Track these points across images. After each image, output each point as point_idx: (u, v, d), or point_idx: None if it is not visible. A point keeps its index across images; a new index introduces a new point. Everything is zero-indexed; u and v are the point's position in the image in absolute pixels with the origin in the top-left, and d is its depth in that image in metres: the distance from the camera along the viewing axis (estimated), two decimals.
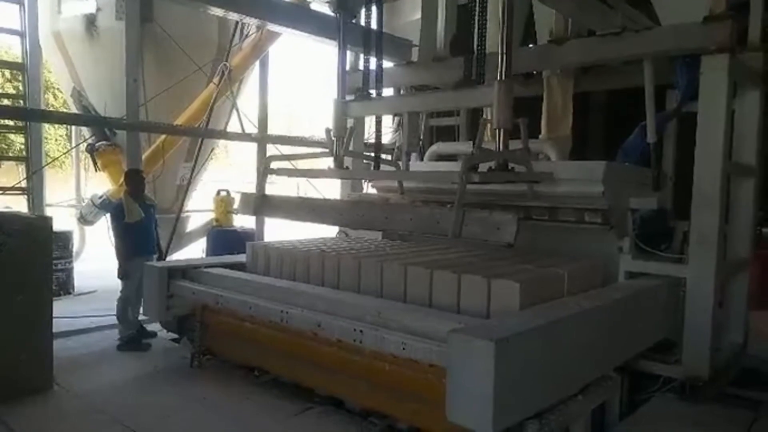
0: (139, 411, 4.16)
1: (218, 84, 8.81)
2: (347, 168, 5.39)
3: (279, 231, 9.77)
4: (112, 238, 6.10)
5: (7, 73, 14.32)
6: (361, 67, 5.41)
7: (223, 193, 10.10)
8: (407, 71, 6.24)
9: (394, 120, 9.52)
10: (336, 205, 4.95)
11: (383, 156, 5.57)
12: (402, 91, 7.01)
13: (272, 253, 5.20)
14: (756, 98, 4.91)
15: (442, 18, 5.93)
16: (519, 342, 2.84)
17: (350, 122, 5.31)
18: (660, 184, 4.96)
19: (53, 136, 20.88)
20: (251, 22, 7.90)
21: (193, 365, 5.02)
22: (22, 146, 8.81)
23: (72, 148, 11.79)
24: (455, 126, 8.55)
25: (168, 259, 8.08)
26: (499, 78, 3.78)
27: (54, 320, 4.76)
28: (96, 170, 8.82)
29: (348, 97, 5.21)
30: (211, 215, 10.31)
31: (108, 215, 6.30)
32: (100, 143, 8.49)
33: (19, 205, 8.10)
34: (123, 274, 5.81)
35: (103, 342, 5.83)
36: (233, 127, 9.87)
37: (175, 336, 5.79)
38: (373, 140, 5.73)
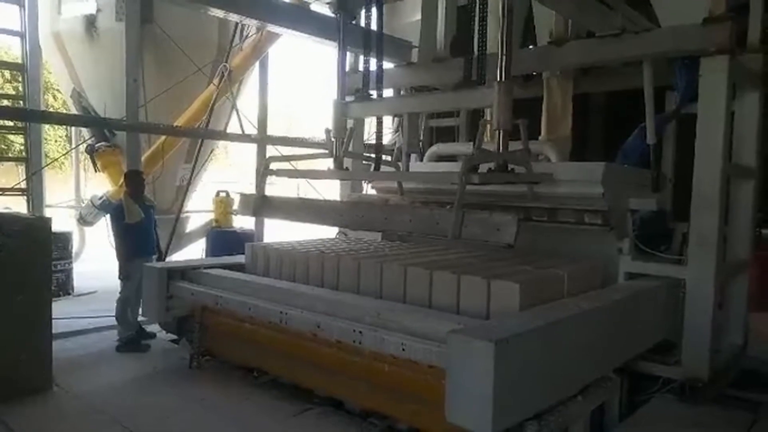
0: (138, 412, 4.16)
1: (218, 85, 8.81)
2: (347, 169, 5.39)
3: (278, 232, 9.77)
4: (112, 239, 6.10)
5: (6, 73, 14.30)
6: (361, 68, 5.41)
7: (223, 194, 10.10)
8: (407, 72, 6.25)
9: (394, 121, 9.52)
10: (335, 206, 4.95)
11: (383, 157, 5.57)
12: (402, 92, 7.01)
13: (272, 254, 5.20)
14: (755, 100, 4.92)
15: (442, 19, 5.93)
16: (518, 343, 2.84)
17: (350, 123, 5.32)
18: (659, 186, 4.96)
19: (53, 136, 20.89)
20: (251, 23, 7.90)
21: (192, 366, 5.01)
22: (22, 147, 8.82)
23: (72, 149, 11.79)
24: (455, 127, 8.55)
25: (167, 259, 8.08)
26: (498, 79, 3.78)
27: (53, 321, 4.76)
28: (96, 171, 8.82)
29: (348, 98, 5.21)
30: (211, 216, 10.31)
31: (108, 216, 6.30)
32: (99, 144, 8.49)
33: (18, 205, 8.09)
34: (124, 275, 5.82)
35: (103, 343, 5.83)
36: (233, 128, 9.88)
37: (175, 337, 5.78)
38: (373, 141, 5.73)
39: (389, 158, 6.29)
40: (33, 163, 8.26)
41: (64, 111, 12.14)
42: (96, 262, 9.47)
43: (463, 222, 3.53)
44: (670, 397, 4.32)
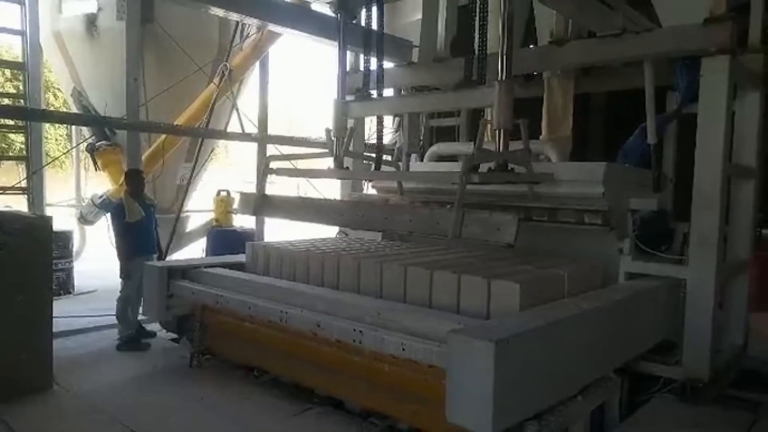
0: (139, 411, 4.16)
1: (218, 84, 8.81)
2: (347, 168, 5.39)
3: (279, 231, 9.77)
4: (113, 238, 6.10)
5: (7, 72, 14.33)
6: (361, 67, 5.41)
7: (223, 193, 10.10)
8: (408, 72, 6.25)
9: (394, 120, 9.52)
10: (336, 206, 4.95)
11: (384, 157, 5.57)
12: (402, 92, 7.01)
13: (272, 253, 5.20)
14: (756, 100, 4.91)
15: (442, 19, 5.93)
16: (519, 343, 2.84)
17: (350, 123, 5.32)
18: (660, 186, 4.96)
19: (53, 135, 20.91)
20: (252, 23, 7.90)
21: (193, 365, 5.02)
22: (23, 146, 8.80)
23: (72, 148, 11.80)
24: (455, 126, 8.55)
25: (168, 258, 8.08)
26: (499, 79, 3.78)
27: (54, 320, 4.76)
28: (96, 170, 8.82)
29: (348, 98, 5.21)
30: (211, 215, 10.31)
31: (108, 215, 6.30)
32: (100, 143, 8.49)
33: (19, 204, 8.09)
34: (125, 274, 5.82)
35: (103, 342, 5.83)
36: (233, 127, 9.88)
37: (175, 336, 5.79)
38: (373, 141, 5.73)
39: (389, 158, 6.29)
40: (33, 162, 8.25)
41: (65, 110, 12.13)
42: (96, 261, 9.47)
43: (463, 221, 3.53)
44: (670, 397, 4.32)
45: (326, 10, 7.98)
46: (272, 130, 9.46)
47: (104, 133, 8.54)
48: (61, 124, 14.91)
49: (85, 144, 8.93)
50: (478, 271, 3.96)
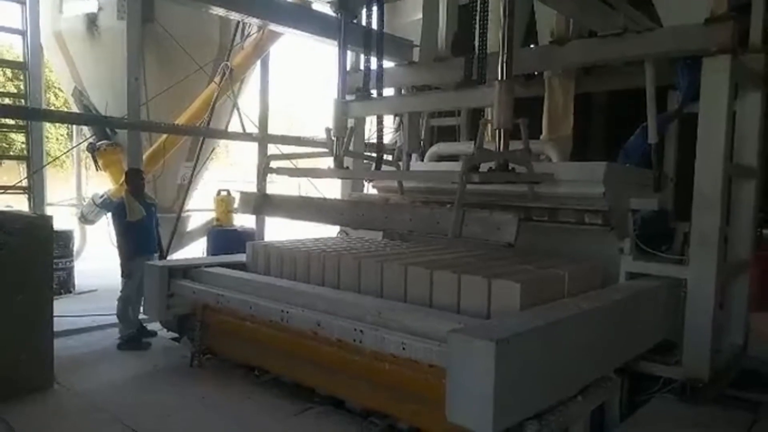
0: (139, 410, 4.16)
1: (219, 83, 8.81)
2: (347, 168, 5.39)
3: (279, 230, 9.77)
4: (113, 238, 6.11)
5: (8, 72, 14.33)
6: (362, 67, 5.41)
7: (224, 193, 10.11)
8: (408, 71, 6.24)
9: (394, 120, 9.52)
10: (336, 205, 4.95)
11: (384, 156, 5.56)
12: (403, 91, 7.01)
13: (272, 252, 5.20)
14: (757, 100, 4.91)
15: (443, 18, 5.93)
16: (519, 342, 2.84)
17: (351, 122, 5.32)
18: (661, 185, 4.96)
19: (54, 135, 20.92)
20: (252, 22, 7.90)
21: (193, 364, 5.02)
22: (23, 145, 8.82)
23: (73, 148, 11.80)
24: (456, 126, 8.55)
25: (168, 258, 8.09)
26: (500, 78, 3.78)
27: (54, 319, 4.76)
28: (97, 169, 8.83)
29: (348, 97, 5.21)
30: (212, 215, 10.32)
31: (109, 214, 6.31)
32: (101, 143, 8.49)
33: (20, 204, 8.10)
34: (127, 273, 5.83)
35: (104, 341, 5.83)
36: (234, 126, 9.88)
37: (176, 335, 5.80)
38: (374, 140, 5.73)
39: (390, 158, 6.30)
40: (34, 161, 8.26)
41: (66, 109, 12.14)
42: (97, 260, 9.47)
43: (463, 221, 3.53)
44: (670, 397, 4.32)
45: (327, 9, 7.97)
46: (273, 130, 9.46)
47: (105, 133, 8.54)
48: (62, 123, 14.93)
49: (86, 143, 8.93)
50: (478, 270, 3.96)
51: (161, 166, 8.65)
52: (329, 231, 7.09)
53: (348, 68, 5.56)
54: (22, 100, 8.48)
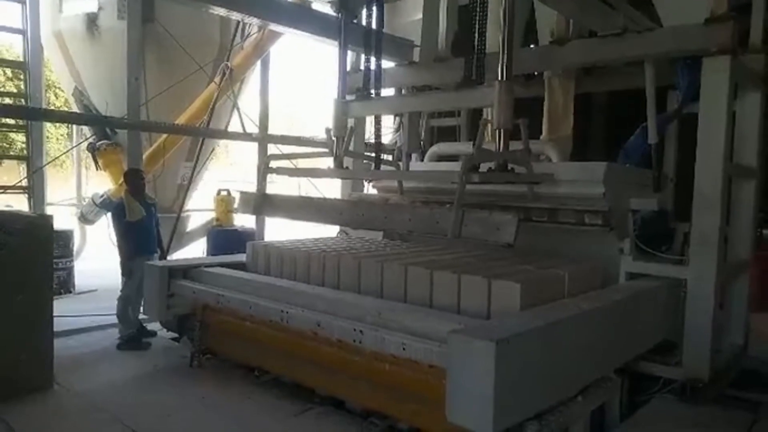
0: (139, 410, 4.16)
1: (219, 83, 8.81)
2: (347, 168, 5.38)
3: (279, 230, 9.77)
4: (114, 238, 6.11)
5: (8, 71, 14.33)
6: (362, 67, 5.41)
7: (224, 193, 10.11)
8: (408, 71, 6.24)
9: (395, 120, 9.52)
10: (336, 205, 4.95)
11: (384, 156, 5.57)
12: (403, 92, 7.01)
13: (272, 252, 5.20)
14: (757, 100, 4.91)
15: (443, 18, 5.93)
16: (519, 343, 2.84)
17: (351, 122, 5.31)
18: (661, 186, 4.96)
19: (54, 135, 20.92)
20: (253, 22, 7.90)
21: (193, 365, 5.02)
22: (23, 145, 8.82)
23: (73, 147, 11.81)
24: (456, 126, 8.55)
25: (168, 258, 8.09)
26: (499, 78, 3.78)
27: (54, 319, 4.76)
28: (97, 169, 8.83)
29: (348, 97, 5.21)
30: (212, 215, 10.32)
31: (109, 214, 6.31)
32: (101, 142, 8.49)
33: (20, 204, 8.11)
34: (127, 273, 5.83)
35: (104, 341, 5.83)
36: (234, 126, 9.88)
37: (175, 335, 5.79)
38: (374, 140, 5.73)
39: (390, 158, 6.30)
40: (34, 161, 8.26)
41: (66, 109, 12.14)
42: (97, 260, 9.48)
43: (462, 221, 3.53)
44: (670, 398, 4.32)
45: (327, 9, 7.98)
46: (273, 130, 9.46)
47: (105, 133, 8.54)
48: (62, 123, 14.93)
49: (86, 143, 8.93)
50: (478, 271, 3.96)
51: (161, 166, 8.65)
52: (329, 231, 7.08)
53: (348, 68, 5.56)
54: (22, 100, 8.48)
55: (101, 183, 9.48)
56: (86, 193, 10.91)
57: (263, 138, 9.05)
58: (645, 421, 4.04)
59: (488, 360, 2.66)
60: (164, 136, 8.60)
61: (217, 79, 8.90)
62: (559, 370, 3.20)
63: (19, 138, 10.47)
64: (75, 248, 9.14)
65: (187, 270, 5.26)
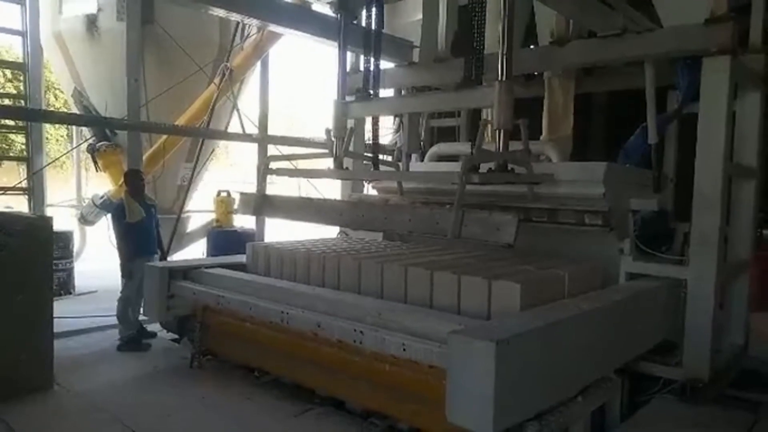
0: (139, 410, 4.16)
1: (219, 84, 8.82)
2: (347, 169, 5.39)
3: (279, 231, 9.77)
4: (113, 239, 6.11)
5: (8, 73, 14.33)
6: (361, 67, 5.41)
7: (224, 194, 10.11)
8: (408, 72, 6.25)
9: (395, 121, 9.52)
10: (336, 206, 4.95)
11: (384, 157, 5.57)
12: (403, 92, 7.01)
13: (272, 253, 5.20)
14: (757, 100, 4.91)
15: (443, 19, 5.93)
16: (519, 343, 2.84)
17: (350, 123, 5.31)
18: (661, 186, 4.96)
19: (54, 136, 20.91)
20: (252, 23, 7.90)
21: (193, 365, 5.01)
22: (23, 146, 8.83)
23: (73, 149, 11.81)
24: (456, 127, 8.55)
25: (168, 259, 8.08)
26: (499, 79, 3.78)
27: (55, 320, 4.76)
28: (97, 170, 8.83)
29: (348, 98, 5.21)
30: (212, 216, 10.32)
31: (109, 215, 6.31)
32: (101, 143, 8.50)
33: (20, 205, 8.11)
34: (127, 274, 5.83)
35: (104, 342, 5.83)
36: (234, 127, 9.88)
37: (176, 336, 5.79)
38: (371, 141, 5.74)
39: (390, 158, 6.30)
40: (34, 162, 8.28)
41: (66, 110, 12.14)
42: (97, 261, 9.48)
43: (462, 221, 3.53)
44: (670, 398, 4.32)
45: (327, 10, 7.98)
46: (273, 131, 9.46)
47: (105, 134, 8.54)
48: (62, 124, 14.95)
49: (86, 144, 8.93)
50: (478, 271, 3.96)
51: (161, 167, 8.65)
52: (329, 232, 7.08)
53: (348, 69, 5.56)
54: (22, 101, 8.50)
55: (101, 184, 9.47)
56: (86, 194, 10.92)
57: (263, 139, 9.06)
58: (645, 421, 4.03)
59: (488, 360, 2.66)
60: (164, 137, 8.60)
61: (216, 80, 8.91)
62: (560, 371, 3.19)
63: (19, 139, 10.48)
64: (75, 249, 9.14)
65: (187, 271, 5.26)
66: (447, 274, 3.93)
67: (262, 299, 4.45)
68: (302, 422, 3.99)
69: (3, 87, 15.13)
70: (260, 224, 9.01)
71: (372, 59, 5.17)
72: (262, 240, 8.47)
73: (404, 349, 3.34)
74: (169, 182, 9.39)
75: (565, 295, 4.01)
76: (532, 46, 6.46)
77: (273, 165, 5.42)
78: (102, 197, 8.42)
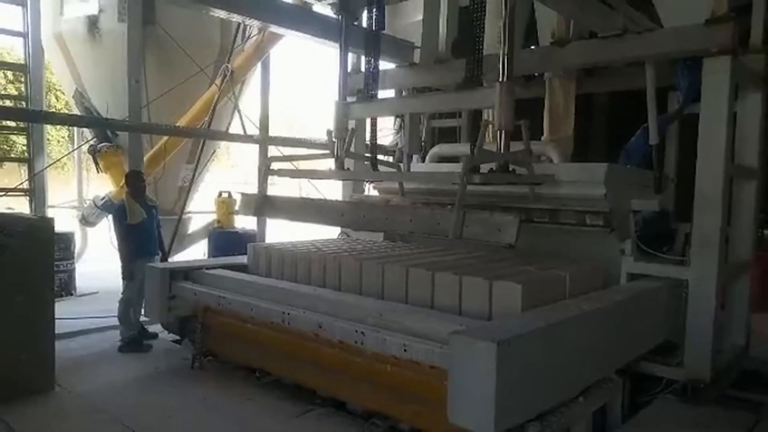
0: (140, 411, 4.16)
1: (220, 85, 8.83)
2: (348, 169, 5.39)
3: (280, 232, 9.78)
4: (114, 240, 6.11)
5: (9, 74, 14.35)
6: (362, 68, 5.41)
7: (225, 195, 10.11)
8: (409, 73, 6.25)
9: (395, 122, 9.53)
10: (337, 206, 4.95)
11: (385, 158, 5.57)
12: (404, 93, 7.02)
13: (273, 254, 5.20)
14: (758, 100, 4.91)
15: (443, 20, 5.93)
16: (520, 344, 2.84)
17: (351, 124, 5.32)
18: (662, 186, 4.96)
19: (55, 137, 20.94)
20: (253, 24, 7.91)
21: (195, 366, 5.02)
22: (25, 147, 8.83)
23: (74, 150, 11.83)
24: (457, 127, 8.55)
25: (170, 260, 8.09)
26: (500, 79, 3.78)
27: (56, 321, 4.76)
28: (98, 172, 8.84)
29: (349, 99, 5.21)
30: (213, 216, 10.32)
31: (110, 217, 6.31)
32: (102, 145, 8.51)
33: (21, 206, 8.12)
34: (128, 275, 5.83)
35: (105, 343, 5.83)
36: (235, 128, 9.89)
37: (177, 337, 5.79)
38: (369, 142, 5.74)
39: (391, 159, 6.29)
40: (35, 163, 8.29)
41: (67, 112, 12.16)
42: (98, 262, 9.48)
43: (464, 222, 3.53)
44: (672, 398, 4.31)
45: (328, 11, 7.99)
46: (274, 132, 9.47)
47: (106, 135, 8.55)
48: (63, 125, 14.97)
49: (87, 146, 8.94)
50: (479, 272, 3.96)
51: (162, 168, 8.66)
52: (330, 232, 7.08)
53: (349, 70, 5.57)
54: (23, 103, 8.50)
55: (102, 185, 9.48)
56: (87, 195, 10.93)
57: (264, 140, 9.06)
58: (646, 421, 4.03)
59: (490, 361, 2.66)
60: (165, 138, 8.61)
61: (217, 81, 8.92)
62: (561, 371, 3.19)
63: (20, 140, 10.51)
64: (76, 250, 9.15)
65: (189, 272, 5.26)
66: (448, 275, 3.93)
67: (263, 300, 4.45)
68: (303, 423, 3.98)
69: (4, 88, 15.14)
70: (261, 225, 9.02)
71: (373, 60, 5.17)
72: (263, 241, 8.47)
73: (405, 350, 3.35)
74: (170, 183, 9.39)
75: (566, 295, 4.01)
76: (532, 47, 6.46)
77: (274, 166, 5.43)
78: (103, 198, 8.42)
